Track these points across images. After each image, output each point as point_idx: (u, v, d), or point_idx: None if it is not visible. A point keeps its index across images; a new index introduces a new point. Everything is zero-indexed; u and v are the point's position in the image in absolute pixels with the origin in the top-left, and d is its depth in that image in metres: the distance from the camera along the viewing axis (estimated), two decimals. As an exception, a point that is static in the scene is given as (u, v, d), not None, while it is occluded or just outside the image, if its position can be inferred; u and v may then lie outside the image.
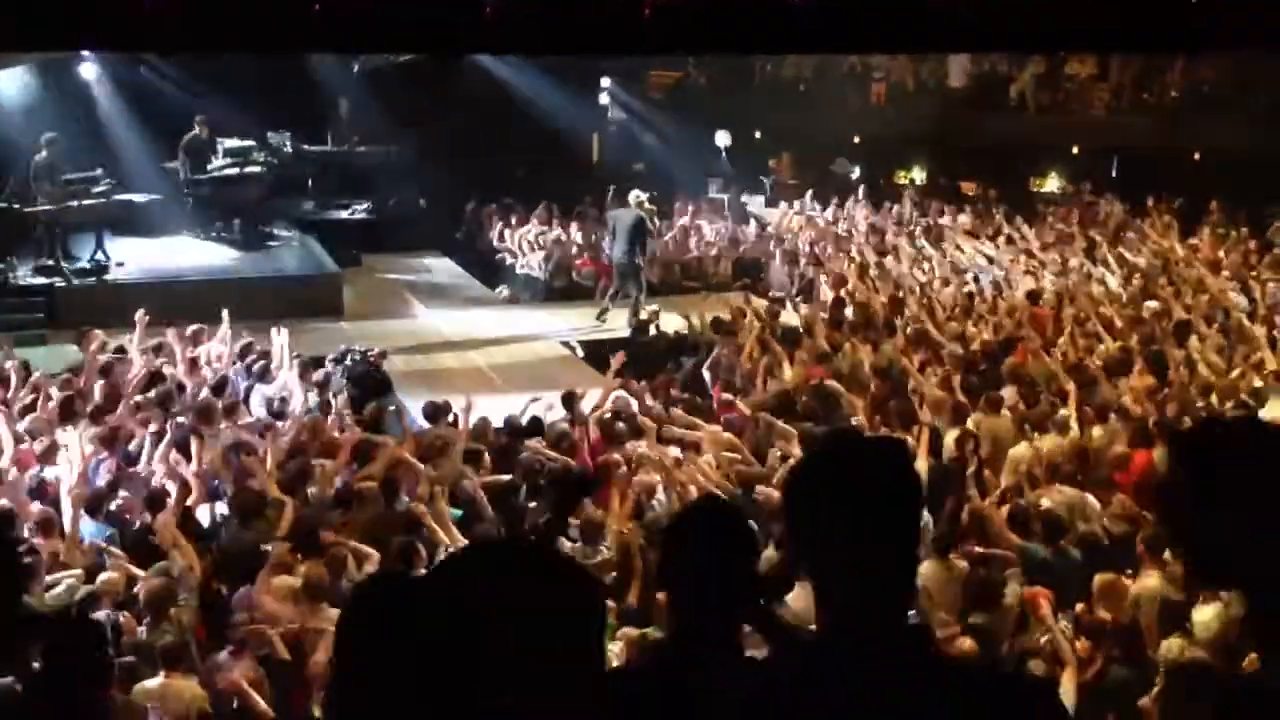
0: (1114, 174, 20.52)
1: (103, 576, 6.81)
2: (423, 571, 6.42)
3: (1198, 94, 20.10)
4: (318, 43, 11.53)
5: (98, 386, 9.96)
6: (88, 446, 8.45)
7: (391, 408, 10.66)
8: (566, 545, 7.47)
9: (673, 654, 2.65)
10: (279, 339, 11.17)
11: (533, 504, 8.39)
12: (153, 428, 8.89)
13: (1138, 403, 9.93)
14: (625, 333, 14.70)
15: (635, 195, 15.84)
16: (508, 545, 3.45)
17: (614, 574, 7.56)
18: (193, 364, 10.90)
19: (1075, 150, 21.52)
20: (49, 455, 8.52)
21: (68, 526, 7.44)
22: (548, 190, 19.74)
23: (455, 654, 1.53)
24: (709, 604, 2.52)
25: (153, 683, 5.91)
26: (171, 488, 8.03)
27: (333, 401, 10.24)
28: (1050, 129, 21.20)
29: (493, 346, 14.72)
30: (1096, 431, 9.48)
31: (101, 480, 8.21)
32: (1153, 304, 13.23)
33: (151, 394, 9.70)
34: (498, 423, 9.96)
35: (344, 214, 19.78)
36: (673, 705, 2.39)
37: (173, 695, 5.89)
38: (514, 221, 18.94)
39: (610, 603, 6.61)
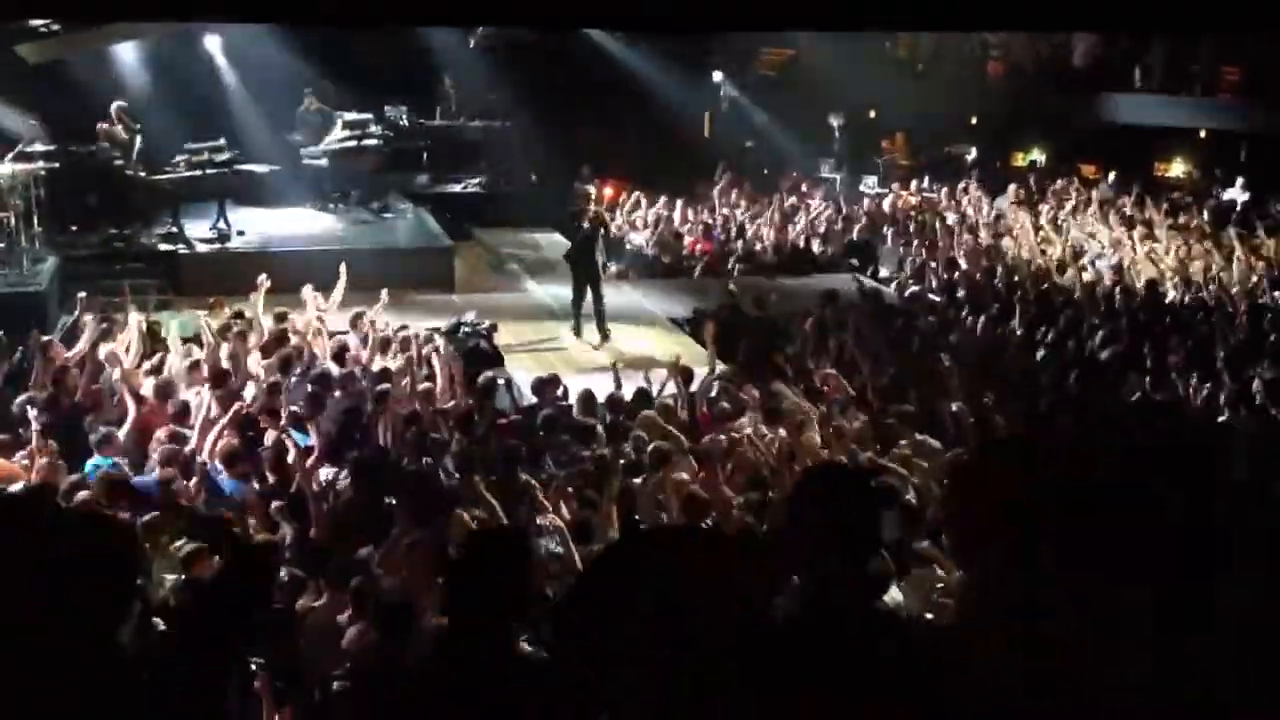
0: (1242, 159, 19.80)
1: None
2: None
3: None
4: (436, 15, 11.62)
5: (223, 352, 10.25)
6: (214, 408, 8.71)
7: (501, 380, 10.80)
8: None
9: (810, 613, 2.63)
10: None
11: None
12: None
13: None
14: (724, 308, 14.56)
15: (578, 187, 14.89)
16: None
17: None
18: (312, 331, 11.14)
19: (1202, 134, 20.83)
20: (182, 416, 8.80)
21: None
22: (658, 167, 19.75)
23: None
24: (836, 566, 2.56)
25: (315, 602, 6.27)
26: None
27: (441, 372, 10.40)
28: (1176, 112, 20.54)
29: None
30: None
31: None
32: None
33: (274, 359, 9.98)
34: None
35: (457, 188, 20.04)
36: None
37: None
38: (622, 199, 18.99)
39: None
